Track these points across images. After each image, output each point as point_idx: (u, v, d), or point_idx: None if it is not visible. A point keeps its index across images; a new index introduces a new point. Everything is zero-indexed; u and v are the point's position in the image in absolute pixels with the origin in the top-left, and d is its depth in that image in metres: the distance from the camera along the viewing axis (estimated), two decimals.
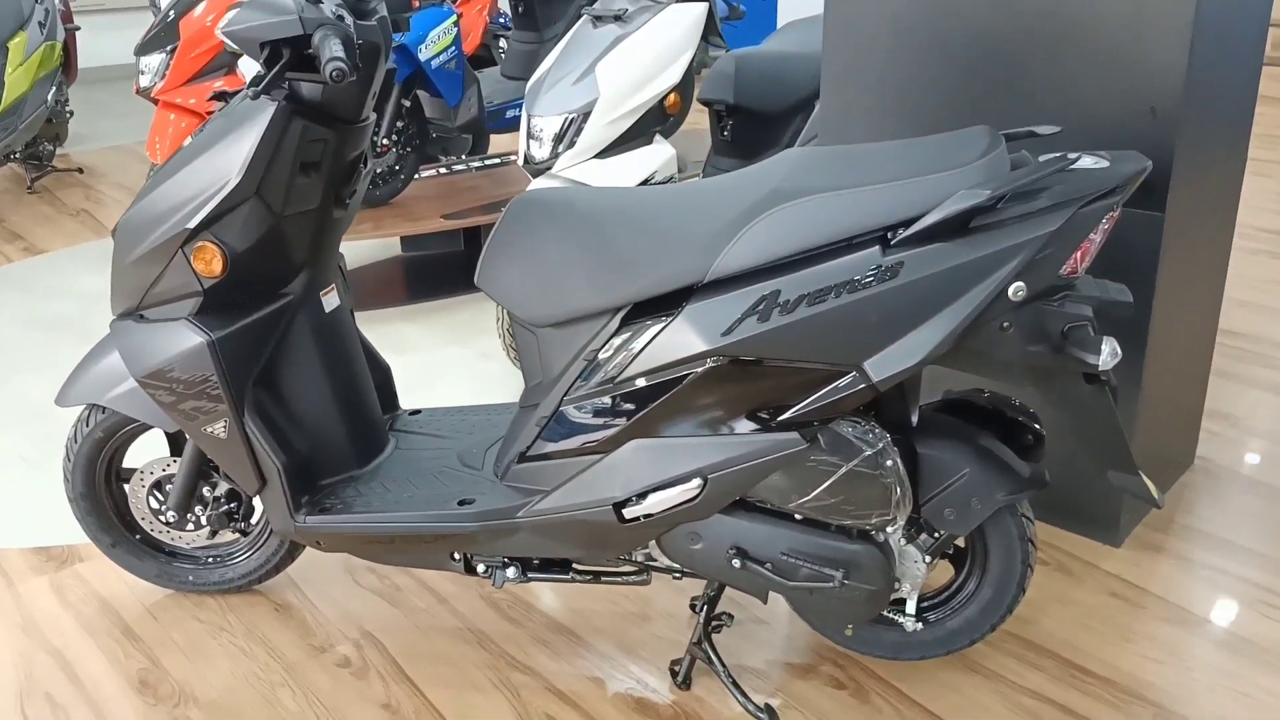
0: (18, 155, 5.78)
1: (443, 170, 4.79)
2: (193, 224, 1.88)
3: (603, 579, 2.05)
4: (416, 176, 4.63)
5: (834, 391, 1.73)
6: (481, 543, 1.99)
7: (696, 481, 1.82)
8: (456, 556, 2.05)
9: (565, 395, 1.89)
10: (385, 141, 4.17)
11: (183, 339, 1.94)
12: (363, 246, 4.74)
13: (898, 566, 1.95)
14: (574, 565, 2.07)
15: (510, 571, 2.04)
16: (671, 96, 3.30)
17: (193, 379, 1.95)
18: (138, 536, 2.34)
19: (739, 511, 1.88)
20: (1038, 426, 1.95)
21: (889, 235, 1.68)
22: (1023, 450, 1.94)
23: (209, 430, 2.00)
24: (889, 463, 1.80)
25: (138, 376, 2.00)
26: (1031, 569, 1.99)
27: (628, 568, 2.04)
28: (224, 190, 1.86)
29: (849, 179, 1.71)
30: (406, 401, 3.40)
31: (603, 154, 3.26)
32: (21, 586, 2.47)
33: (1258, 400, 3.16)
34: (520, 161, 3.37)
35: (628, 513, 1.85)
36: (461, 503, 1.99)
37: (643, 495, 1.84)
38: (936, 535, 1.95)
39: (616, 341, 1.83)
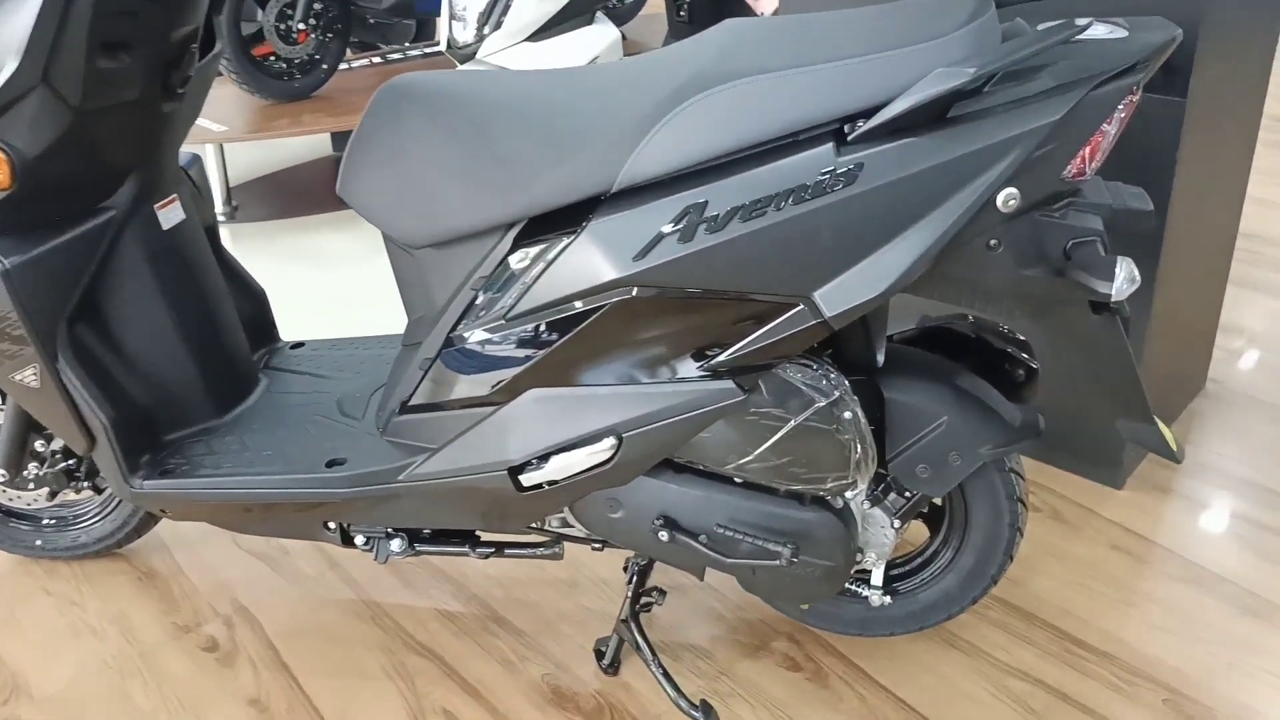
0: None
1: (377, 60, 4.34)
2: None
3: (506, 552, 1.71)
4: (346, 66, 4.18)
5: (777, 330, 1.37)
6: (358, 511, 1.65)
7: (609, 441, 1.46)
8: (331, 526, 1.70)
9: (450, 333, 1.52)
10: (302, 27, 3.71)
11: None
12: (289, 145, 4.31)
13: (861, 534, 1.61)
14: (475, 534, 1.73)
15: (395, 544, 1.69)
16: None
17: None
18: None
19: (667, 473, 1.53)
20: (1029, 359, 1.60)
21: (845, 129, 1.30)
22: (1012, 388, 1.59)
23: (17, 378, 1.63)
24: (847, 415, 1.44)
25: None
26: (1021, 533, 1.65)
27: (538, 538, 1.70)
28: (0, 78, 1.46)
29: (796, 56, 1.32)
30: (322, 324, 3.04)
31: (536, 36, 2.84)
32: None
33: (1277, 312, 2.81)
34: (443, 46, 2.95)
35: (526, 479, 1.50)
36: (331, 463, 1.64)
37: (544, 458, 1.49)
38: (908, 495, 1.61)
39: (508, 266, 1.45)
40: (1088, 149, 1.30)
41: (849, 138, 1.29)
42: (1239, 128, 2.17)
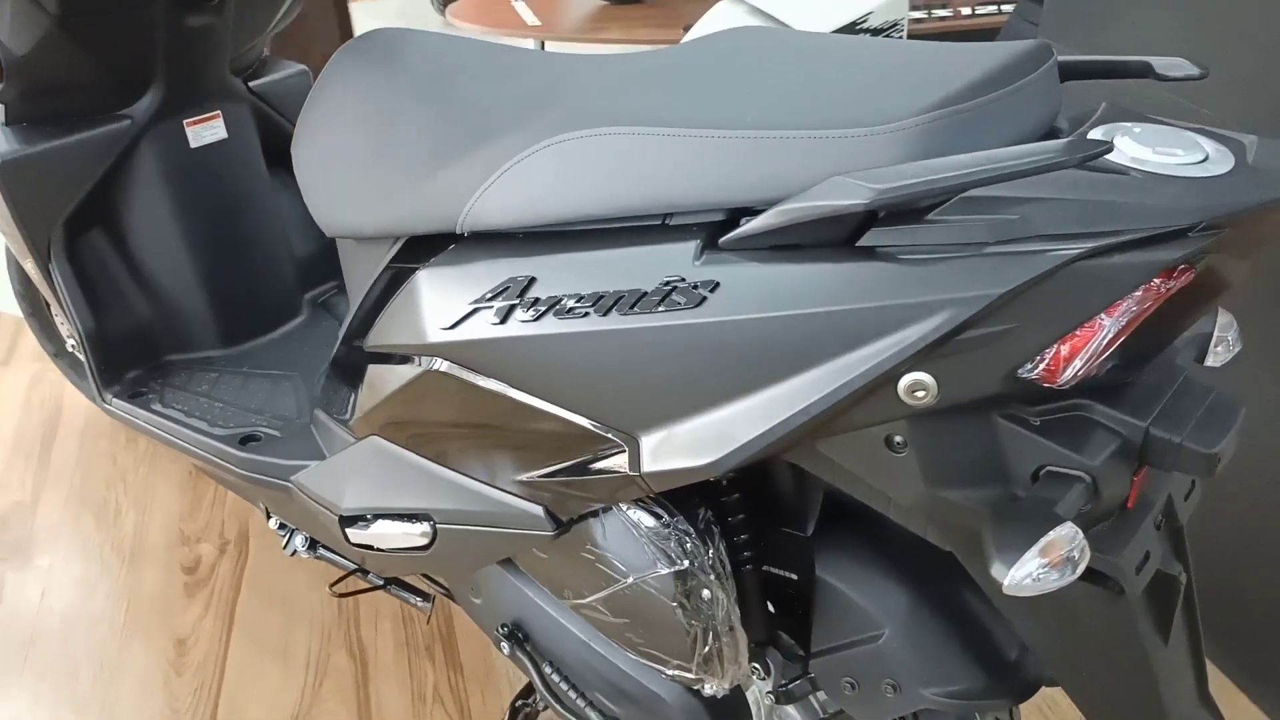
0: None
1: None
2: None
3: (390, 588, 1.49)
4: None
5: (586, 466, 1.01)
6: (263, 497, 1.51)
7: (424, 527, 1.19)
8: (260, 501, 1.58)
9: (342, 337, 1.31)
10: None
11: None
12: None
13: None
14: None
15: (299, 539, 1.53)
16: None
17: None
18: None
19: (527, 579, 1.24)
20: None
21: (731, 224, 0.90)
22: None
23: (28, 265, 1.64)
24: (705, 594, 1.06)
25: None
26: None
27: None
28: None
29: (709, 108, 0.93)
30: None
31: None
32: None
33: None
34: None
35: (353, 535, 1.27)
36: (245, 440, 1.50)
37: (374, 518, 1.25)
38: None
39: (377, 286, 1.21)
40: (1065, 346, 0.81)
41: (720, 241, 0.90)
42: None
